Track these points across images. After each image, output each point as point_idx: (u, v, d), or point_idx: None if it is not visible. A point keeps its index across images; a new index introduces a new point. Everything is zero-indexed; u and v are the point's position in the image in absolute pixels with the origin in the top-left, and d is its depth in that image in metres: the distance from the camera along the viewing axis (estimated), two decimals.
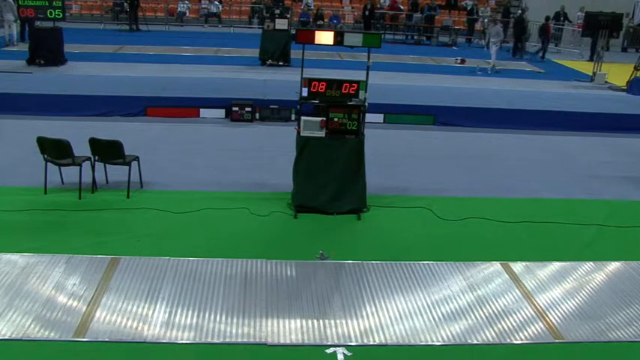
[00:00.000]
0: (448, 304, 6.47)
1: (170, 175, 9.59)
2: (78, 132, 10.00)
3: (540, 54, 23.43)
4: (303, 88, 8.34)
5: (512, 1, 26.98)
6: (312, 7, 27.14)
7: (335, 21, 26.43)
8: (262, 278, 6.77)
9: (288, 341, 5.72)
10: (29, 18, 16.64)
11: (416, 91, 15.05)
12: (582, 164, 11.33)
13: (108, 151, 8.69)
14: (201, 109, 12.97)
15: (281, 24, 17.90)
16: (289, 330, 5.88)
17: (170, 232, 7.73)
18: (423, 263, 7.24)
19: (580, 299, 6.69)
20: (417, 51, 23.56)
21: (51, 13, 16.16)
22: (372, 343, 5.77)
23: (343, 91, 8.38)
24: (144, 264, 6.91)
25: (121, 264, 6.87)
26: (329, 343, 5.70)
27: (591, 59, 21.45)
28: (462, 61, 21.06)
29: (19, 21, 19.05)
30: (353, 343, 5.73)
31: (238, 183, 9.45)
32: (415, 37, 26.61)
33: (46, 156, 8.61)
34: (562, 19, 26.11)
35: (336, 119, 8.33)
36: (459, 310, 6.37)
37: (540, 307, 6.50)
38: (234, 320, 5.98)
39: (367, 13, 25.99)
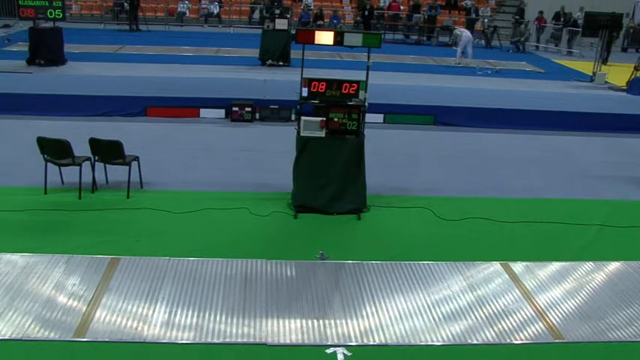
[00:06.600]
0: (448, 304, 6.47)
1: (170, 175, 9.59)
2: (78, 132, 10.02)
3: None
4: (303, 88, 8.34)
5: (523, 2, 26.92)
6: (312, 7, 27.15)
7: (335, 21, 26.44)
8: (262, 278, 6.77)
9: (288, 341, 5.72)
10: (29, 18, 16.65)
11: (416, 91, 15.04)
12: (582, 164, 11.33)
13: (108, 151, 8.69)
14: (201, 109, 12.96)
15: (281, 24, 17.89)
16: (289, 330, 5.88)
17: (170, 232, 7.73)
18: (423, 263, 7.24)
19: (580, 299, 6.69)
20: (417, 51, 23.54)
21: (51, 13, 16.16)
22: (372, 343, 5.77)
23: (343, 91, 8.38)
24: (144, 264, 6.90)
25: (121, 264, 6.87)
26: (329, 343, 5.70)
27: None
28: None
29: None
30: (353, 343, 5.72)
31: (238, 183, 9.45)
32: (415, 37, 26.61)
33: (46, 156, 8.61)
34: (562, 19, 26.11)
35: (336, 119, 8.33)
36: (459, 310, 6.37)
37: (540, 307, 6.49)
38: (234, 320, 5.98)
39: (367, 13, 26.02)
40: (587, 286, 6.96)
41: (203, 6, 27.81)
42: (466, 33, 20.82)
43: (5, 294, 6.20)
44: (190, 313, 6.07)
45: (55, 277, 6.56)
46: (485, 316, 6.28)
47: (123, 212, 8.23)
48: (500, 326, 6.11)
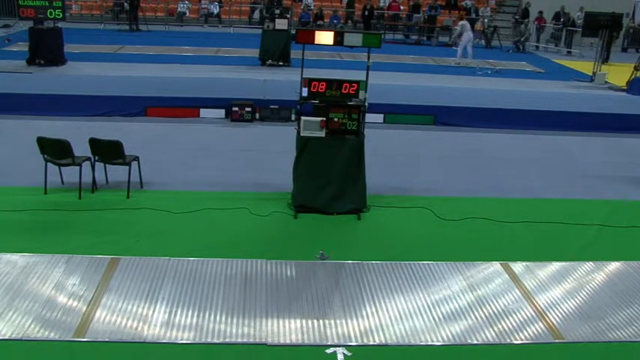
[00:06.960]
0: (448, 304, 6.47)
1: (170, 175, 9.59)
2: (78, 132, 10.02)
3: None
4: (303, 88, 8.34)
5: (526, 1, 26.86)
6: (312, 7, 27.15)
7: (335, 21, 26.44)
8: (262, 278, 6.77)
9: (288, 341, 5.72)
10: (29, 18, 16.65)
11: (416, 91, 15.04)
12: (582, 164, 11.33)
13: (108, 151, 8.69)
14: (201, 109, 12.96)
15: (281, 24, 17.89)
16: (289, 330, 5.88)
17: (170, 232, 7.73)
18: (423, 263, 7.24)
19: (580, 299, 6.69)
20: (417, 51, 23.54)
21: (51, 13, 16.16)
22: (372, 343, 5.77)
23: (343, 91, 8.38)
24: (144, 264, 6.90)
25: (121, 264, 6.87)
26: (329, 343, 5.70)
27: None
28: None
29: None
30: (353, 343, 5.72)
31: (238, 183, 9.45)
32: (415, 37, 26.61)
33: (46, 156, 8.61)
34: (562, 19, 26.10)
35: (336, 119, 8.33)
36: (459, 310, 6.37)
37: (540, 307, 6.49)
38: (234, 320, 5.98)
39: (367, 13, 26.02)
40: (587, 286, 6.96)
41: (203, 6, 27.81)
42: (467, 30, 20.74)
43: (5, 294, 6.20)
44: (190, 313, 6.07)
45: (55, 277, 6.56)
46: (485, 316, 6.28)
47: (123, 212, 8.23)
48: (500, 326, 6.11)
